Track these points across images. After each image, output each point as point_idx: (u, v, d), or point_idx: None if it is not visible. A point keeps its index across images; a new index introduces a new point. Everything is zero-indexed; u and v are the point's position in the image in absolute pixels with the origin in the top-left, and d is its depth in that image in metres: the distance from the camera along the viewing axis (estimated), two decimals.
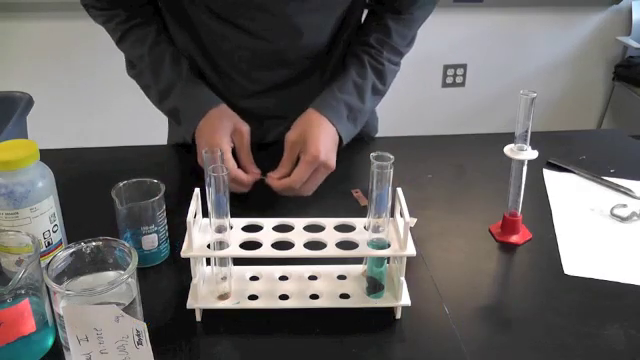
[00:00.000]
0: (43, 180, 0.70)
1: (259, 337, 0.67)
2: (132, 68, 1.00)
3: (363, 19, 1.06)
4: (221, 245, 0.66)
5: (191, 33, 0.98)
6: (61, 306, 0.55)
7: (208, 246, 0.66)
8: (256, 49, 0.97)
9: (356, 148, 1.09)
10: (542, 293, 0.76)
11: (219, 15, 0.93)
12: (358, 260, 0.75)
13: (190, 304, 0.68)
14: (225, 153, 0.87)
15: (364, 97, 0.97)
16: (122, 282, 0.57)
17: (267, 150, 0.97)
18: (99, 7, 0.97)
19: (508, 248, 0.84)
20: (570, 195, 0.97)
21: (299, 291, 0.71)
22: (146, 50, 0.96)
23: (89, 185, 0.96)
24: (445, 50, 2.79)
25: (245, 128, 0.92)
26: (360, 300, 0.70)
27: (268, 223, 0.71)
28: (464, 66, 2.84)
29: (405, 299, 0.69)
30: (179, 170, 0.95)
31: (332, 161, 0.89)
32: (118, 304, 0.55)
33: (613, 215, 0.91)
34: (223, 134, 0.89)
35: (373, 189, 0.64)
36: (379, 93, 1.01)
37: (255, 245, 0.68)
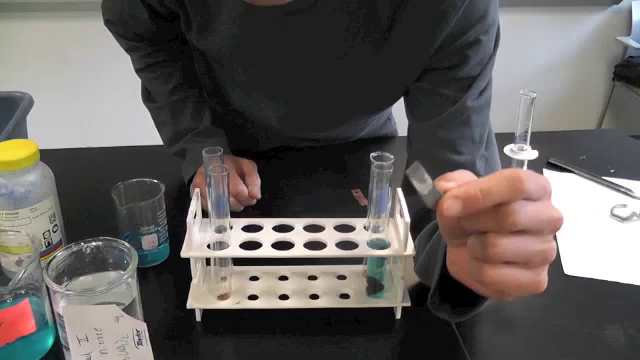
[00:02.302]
0: (43, 180, 0.70)
1: (259, 337, 0.67)
2: (149, 100, 0.99)
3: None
4: (221, 245, 0.66)
5: (214, 84, 0.99)
6: (61, 306, 0.55)
7: (208, 246, 0.66)
8: (282, 112, 0.95)
9: (356, 148, 1.10)
10: (542, 293, 0.75)
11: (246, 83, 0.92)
12: (358, 260, 0.75)
13: (190, 304, 0.68)
14: (230, 171, 0.85)
15: None
16: (122, 282, 0.57)
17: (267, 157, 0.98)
18: (124, 36, 0.95)
19: None
20: (570, 195, 0.97)
21: (299, 291, 0.71)
22: (168, 90, 0.95)
23: (89, 185, 0.96)
24: None
25: (252, 161, 0.92)
26: (360, 300, 0.70)
27: (268, 223, 0.71)
28: None
29: (405, 299, 0.69)
30: (179, 170, 0.95)
31: None
32: (118, 304, 0.55)
33: (613, 215, 0.91)
34: (229, 161, 0.89)
35: (373, 189, 0.64)
36: None
37: (255, 245, 0.68)
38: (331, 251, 0.67)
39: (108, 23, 0.94)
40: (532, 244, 0.45)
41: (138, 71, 0.98)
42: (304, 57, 0.80)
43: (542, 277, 0.47)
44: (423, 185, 0.45)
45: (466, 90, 0.78)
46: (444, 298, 0.59)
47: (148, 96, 0.99)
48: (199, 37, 0.82)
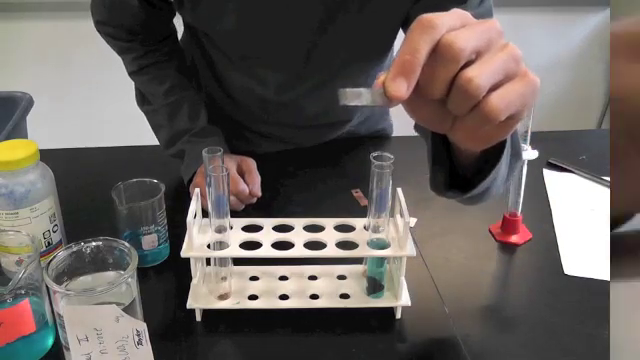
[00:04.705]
0: (43, 180, 0.70)
1: (259, 337, 0.67)
2: (144, 103, 0.99)
3: None
4: (221, 245, 0.66)
5: (211, 68, 0.99)
6: (61, 306, 0.55)
7: (208, 246, 0.66)
8: (280, 80, 0.94)
9: (356, 148, 1.10)
10: (542, 293, 0.76)
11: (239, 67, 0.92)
12: (358, 260, 0.75)
13: (190, 304, 0.68)
14: (230, 170, 0.85)
15: None
16: (122, 282, 0.57)
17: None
18: (115, 36, 0.94)
19: (508, 248, 0.84)
20: (570, 195, 0.97)
21: (299, 291, 0.71)
22: (164, 91, 0.95)
23: (89, 185, 0.96)
24: None
25: (251, 159, 0.92)
26: (360, 300, 0.70)
27: (268, 223, 0.71)
28: None
29: (405, 299, 0.69)
30: (179, 170, 0.95)
31: None
32: (118, 304, 0.55)
33: None
34: (228, 160, 0.90)
35: (373, 189, 0.64)
36: None
37: (255, 245, 0.68)
38: (331, 251, 0.67)
39: (98, 24, 0.94)
40: (495, 56, 0.41)
41: (132, 74, 0.98)
42: (295, 14, 0.81)
43: (529, 74, 0.43)
44: (364, 96, 0.42)
45: (464, 2, 0.76)
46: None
47: (143, 100, 0.99)
48: (192, 13, 0.83)
